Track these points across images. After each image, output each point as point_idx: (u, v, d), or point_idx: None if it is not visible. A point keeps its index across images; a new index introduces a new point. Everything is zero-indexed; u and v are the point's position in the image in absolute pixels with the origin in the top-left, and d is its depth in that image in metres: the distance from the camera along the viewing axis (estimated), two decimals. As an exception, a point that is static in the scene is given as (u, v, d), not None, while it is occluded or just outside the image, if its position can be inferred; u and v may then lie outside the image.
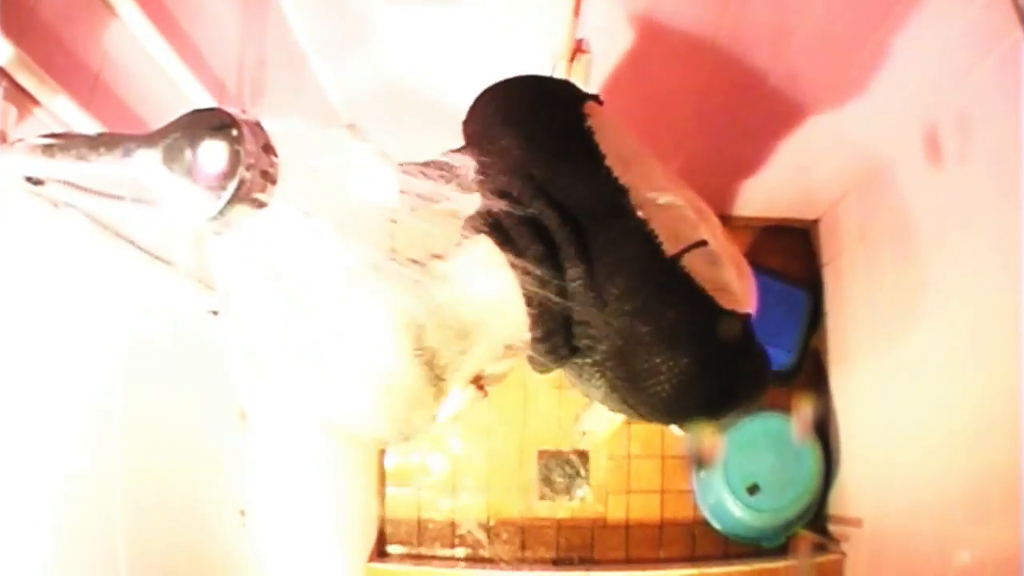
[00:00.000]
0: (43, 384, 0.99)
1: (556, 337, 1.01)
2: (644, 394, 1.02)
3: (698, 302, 1.02)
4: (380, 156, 1.16)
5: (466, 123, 1.19)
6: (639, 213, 1.04)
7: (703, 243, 1.07)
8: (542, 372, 1.11)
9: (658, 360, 0.98)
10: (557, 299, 0.98)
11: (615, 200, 1.05)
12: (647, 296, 0.99)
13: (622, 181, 1.06)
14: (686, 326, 1.01)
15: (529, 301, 0.97)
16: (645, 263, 1.02)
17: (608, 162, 1.07)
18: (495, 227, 0.99)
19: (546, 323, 0.99)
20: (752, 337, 1.10)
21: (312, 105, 2.12)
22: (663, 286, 1.01)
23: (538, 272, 0.97)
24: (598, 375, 1.06)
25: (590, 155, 1.08)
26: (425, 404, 0.96)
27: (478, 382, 1.17)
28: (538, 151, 1.07)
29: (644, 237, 1.03)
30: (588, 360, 1.05)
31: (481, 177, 1.06)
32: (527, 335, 1.00)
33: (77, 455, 1.06)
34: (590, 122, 1.11)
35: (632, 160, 1.09)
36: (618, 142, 1.10)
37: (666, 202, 1.08)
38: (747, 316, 1.08)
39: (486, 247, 0.98)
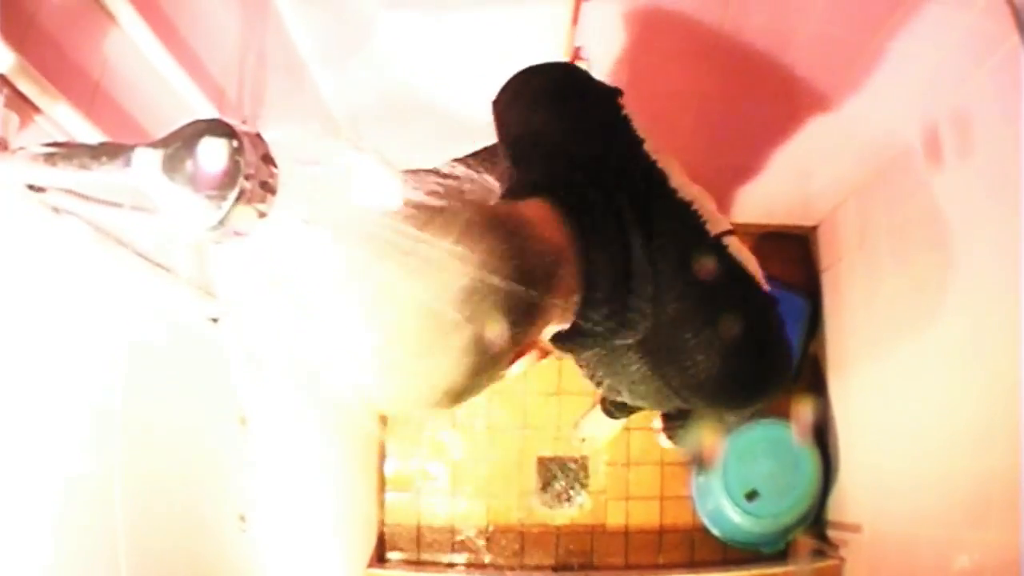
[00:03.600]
0: (44, 389, 0.99)
1: (612, 302, 0.98)
2: (684, 374, 1.03)
3: (744, 280, 1.05)
4: (382, 163, 1.17)
5: (497, 102, 1.20)
6: (680, 194, 1.05)
7: (732, 231, 1.09)
8: (574, 352, 1.11)
9: (704, 335, 0.99)
10: (617, 263, 0.97)
11: (658, 180, 1.07)
12: (695, 272, 1.00)
13: (660, 165, 1.08)
14: (733, 301, 1.03)
15: (590, 262, 0.95)
16: (692, 241, 1.03)
17: (646, 147, 1.09)
18: (550, 190, 0.97)
19: (603, 287, 0.96)
20: (784, 325, 1.12)
21: (312, 113, 2.12)
22: (710, 263, 1.02)
23: (598, 236, 0.95)
24: (638, 356, 1.07)
25: (631, 139, 1.09)
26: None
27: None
28: (582, 130, 1.09)
29: (690, 216, 1.05)
30: (629, 336, 1.03)
31: (517, 153, 1.07)
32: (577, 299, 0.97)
33: (78, 461, 1.06)
34: (625, 111, 1.13)
35: (659, 151, 1.11)
36: (647, 132, 1.12)
37: (697, 190, 1.10)
38: (777, 299, 1.10)
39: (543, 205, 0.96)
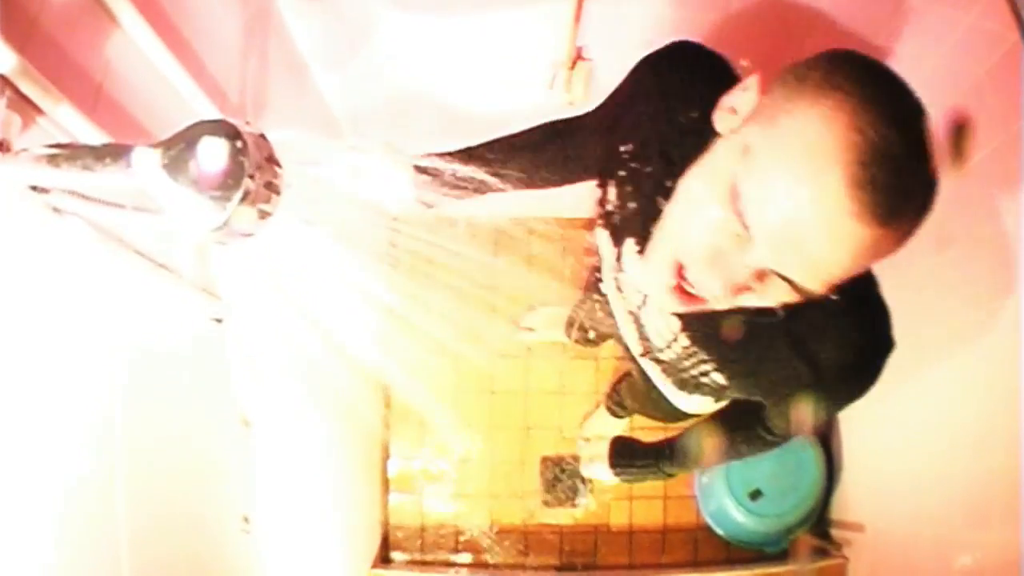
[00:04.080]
0: (46, 391, 0.99)
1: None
2: (834, 354, 1.09)
3: (875, 277, 1.14)
4: (394, 156, 1.17)
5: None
6: None
7: None
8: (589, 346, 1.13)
9: (862, 319, 1.09)
10: None
11: None
12: None
13: None
14: (877, 292, 1.15)
15: None
16: None
17: None
18: None
19: None
20: None
21: (314, 113, 2.13)
22: None
23: None
24: (787, 335, 1.09)
25: None
26: None
27: None
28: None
29: None
30: (781, 317, 1.03)
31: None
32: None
33: (79, 463, 1.06)
34: None
35: None
36: None
37: None
38: None
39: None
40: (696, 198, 0.92)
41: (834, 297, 0.93)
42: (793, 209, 0.79)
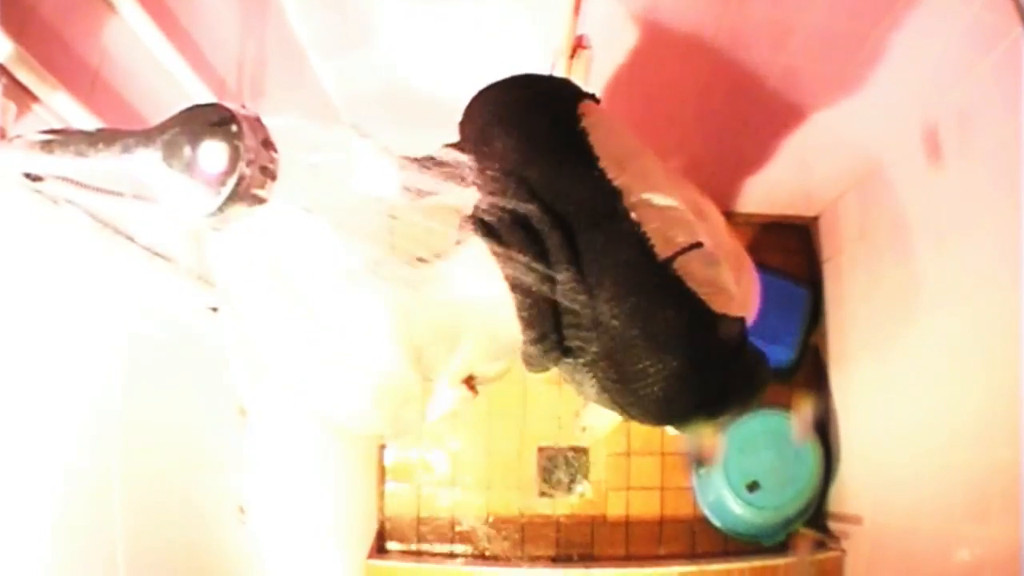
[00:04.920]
0: (42, 380, 0.99)
1: (548, 339, 1.01)
2: (635, 396, 1.03)
3: (689, 305, 1.02)
4: (381, 150, 1.16)
5: (462, 124, 1.19)
6: (632, 215, 1.04)
7: (699, 245, 1.06)
8: (537, 372, 1.11)
9: (648, 363, 0.99)
10: (547, 301, 0.99)
11: (608, 203, 1.05)
12: (637, 299, 0.99)
13: (616, 183, 1.06)
14: (675, 329, 1.01)
15: (520, 304, 0.98)
16: (637, 267, 1.02)
17: (602, 164, 1.06)
18: (488, 230, 0.99)
19: (537, 325, 1.00)
20: (744, 340, 1.10)
21: (312, 102, 2.12)
22: (654, 289, 1.01)
23: (528, 275, 0.97)
24: (590, 376, 1.07)
25: (584, 157, 1.07)
26: (413, 401, 0.97)
27: (469, 382, 1.18)
28: (532, 153, 1.06)
29: (637, 240, 1.03)
30: (580, 360, 1.05)
31: (477, 178, 1.06)
32: (519, 336, 1.01)
33: (76, 452, 1.06)
34: (584, 123, 1.10)
35: (628, 160, 1.09)
36: (613, 142, 1.10)
37: (662, 203, 1.08)
38: (740, 319, 1.08)
39: (479, 249, 0.98)
40: None
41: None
42: None
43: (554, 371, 1.13)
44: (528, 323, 0.99)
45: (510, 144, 1.07)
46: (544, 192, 1.02)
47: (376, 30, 1.94)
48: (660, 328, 0.99)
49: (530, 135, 1.08)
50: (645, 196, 1.06)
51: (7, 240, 0.91)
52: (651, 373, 0.99)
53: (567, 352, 1.04)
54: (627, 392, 1.03)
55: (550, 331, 1.01)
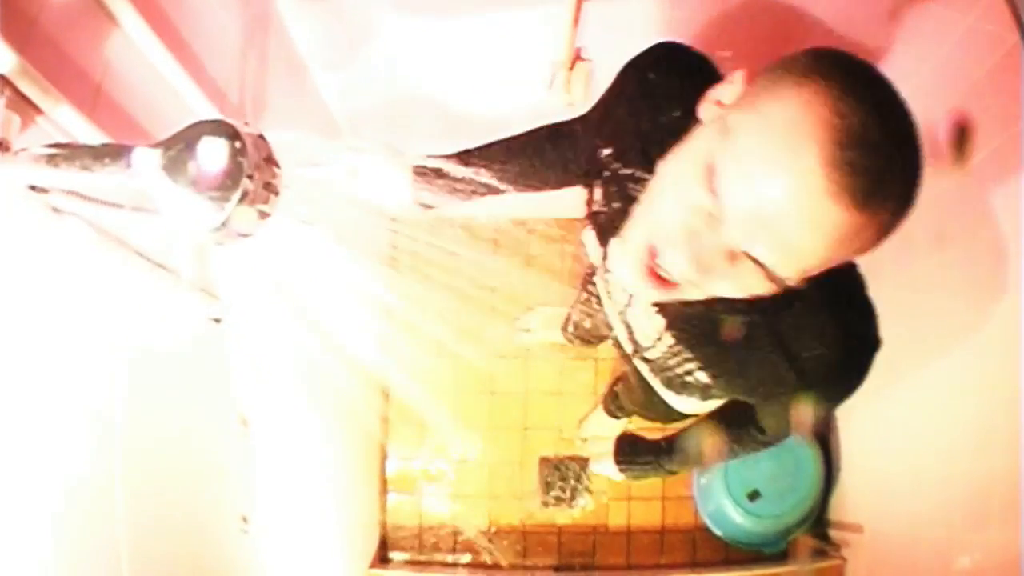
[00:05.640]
0: (45, 391, 0.99)
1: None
2: (815, 353, 1.06)
3: (862, 276, 1.10)
4: (393, 158, 1.17)
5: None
6: None
7: None
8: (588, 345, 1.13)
9: (847, 319, 1.05)
10: None
11: None
12: None
13: None
14: (863, 292, 1.09)
15: None
16: None
17: None
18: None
19: None
20: None
21: (313, 114, 2.13)
22: None
23: None
24: (770, 334, 1.08)
25: None
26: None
27: None
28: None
29: None
30: (765, 317, 1.06)
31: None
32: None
33: (79, 462, 1.06)
34: None
35: None
36: None
37: None
38: None
39: None
40: (672, 178, 0.91)
41: (813, 292, 0.93)
42: (768, 187, 0.78)
43: (555, 381, 1.14)
44: None
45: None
46: None
47: (376, 43, 1.95)
48: (842, 286, 1.04)
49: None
50: None
51: (11, 251, 0.92)
52: (833, 330, 1.04)
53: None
54: (804, 348, 1.07)
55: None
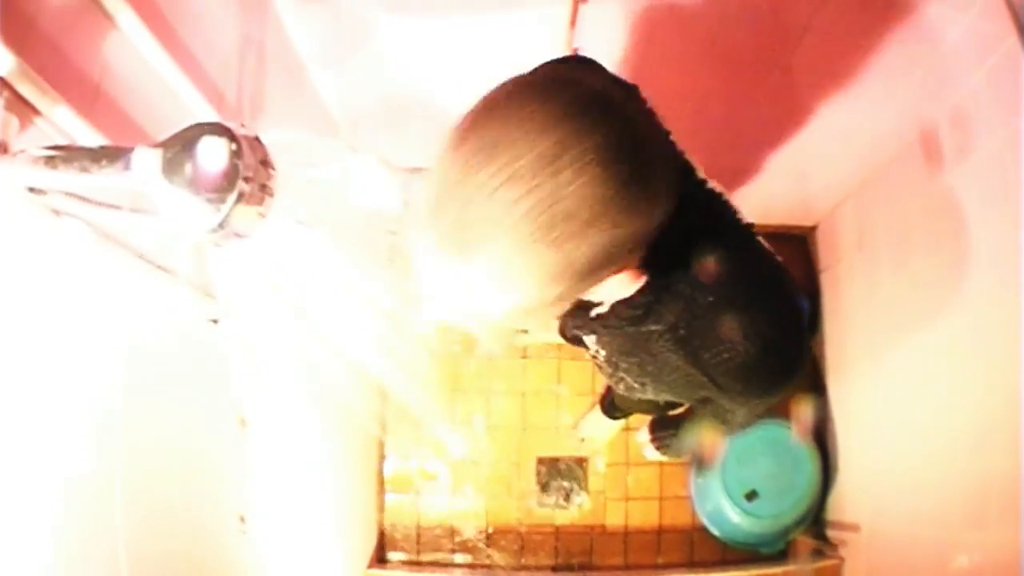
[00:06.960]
0: (44, 391, 0.99)
1: (657, 283, 1.01)
2: (726, 357, 1.04)
3: (780, 268, 1.09)
4: (383, 164, 1.17)
5: None
6: (708, 185, 1.07)
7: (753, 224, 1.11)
8: (594, 334, 1.14)
9: (746, 317, 1.01)
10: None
11: (689, 171, 1.11)
12: (735, 258, 1.02)
13: (686, 156, 1.12)
14: (775, 288, 1.06)
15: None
16: (732, 226, 1.07)
17: (671, 138, 1.10)
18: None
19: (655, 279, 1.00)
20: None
21: (311, 115, 2.13)
22: (752, 249, 1.06)
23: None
24: (671, 342, 1.08)
25: (661, 131, 1.08)
26: None
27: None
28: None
29: (723, 205, 1.08)
30: (659, 327, 1.06)
31: None
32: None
33: (78, 462, 1.06)
34: (649, 104, 1.12)
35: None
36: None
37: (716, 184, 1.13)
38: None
39: None
40: None
41: (720, 297, 0.98)
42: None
43: (553, 381, 1.15)
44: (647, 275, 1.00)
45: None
46: None
47: (375, 45, 1.95)
48: (756, 286, 1.04)
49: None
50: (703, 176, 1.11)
51: (9, 251, 0.92)
52: (745, 329, 1.01)
53: (660, 304, 1.04)
54: (714, 355, 1.05)
55: (662, 287, 1.02)
